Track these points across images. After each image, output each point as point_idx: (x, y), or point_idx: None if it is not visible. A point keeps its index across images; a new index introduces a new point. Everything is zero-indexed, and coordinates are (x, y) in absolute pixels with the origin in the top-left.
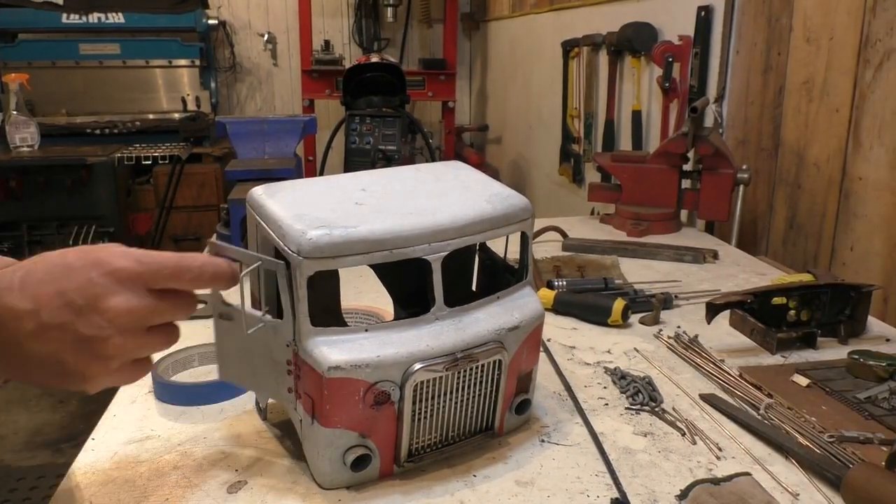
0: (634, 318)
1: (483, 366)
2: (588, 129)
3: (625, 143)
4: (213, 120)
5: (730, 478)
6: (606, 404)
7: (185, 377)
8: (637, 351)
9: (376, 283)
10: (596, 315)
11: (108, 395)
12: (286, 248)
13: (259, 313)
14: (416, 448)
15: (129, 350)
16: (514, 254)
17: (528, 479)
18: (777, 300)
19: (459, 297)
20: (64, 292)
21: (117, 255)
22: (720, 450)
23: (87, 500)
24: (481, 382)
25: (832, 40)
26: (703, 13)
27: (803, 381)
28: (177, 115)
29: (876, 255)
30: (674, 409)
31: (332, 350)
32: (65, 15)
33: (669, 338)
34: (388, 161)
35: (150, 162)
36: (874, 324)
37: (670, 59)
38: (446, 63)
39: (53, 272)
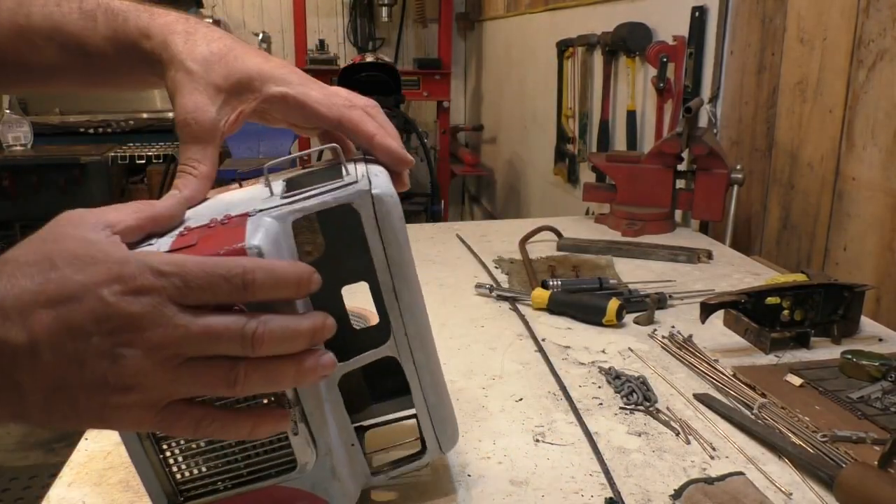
0: (629, 318)
1: None
2: (583, 129)
3: (619, 143)
4: None
5: (723, 477)
6: (601, 404)
7: None
8: (631, 351)
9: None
10: (590, 315)
11: None
12: None
13: None
14: None
15: (157, 382)
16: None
17: (522, 479)
18: (771, 300)
19: None
20: (66, 318)
21: (130, 261)
22: (714, 449)
23: (81, 500)
24: None
25: (825, 41)
26: (697, 14)
27: (797, 380)
28: (171, 114)
29: (868, 255)
30: (668, 408)
31: None
32: None
33: (664, 338)
34: None
35: (144, 161)
36: (867, 323)
37: (665, 60)
38: (441, 63)
39: (47, 288)
